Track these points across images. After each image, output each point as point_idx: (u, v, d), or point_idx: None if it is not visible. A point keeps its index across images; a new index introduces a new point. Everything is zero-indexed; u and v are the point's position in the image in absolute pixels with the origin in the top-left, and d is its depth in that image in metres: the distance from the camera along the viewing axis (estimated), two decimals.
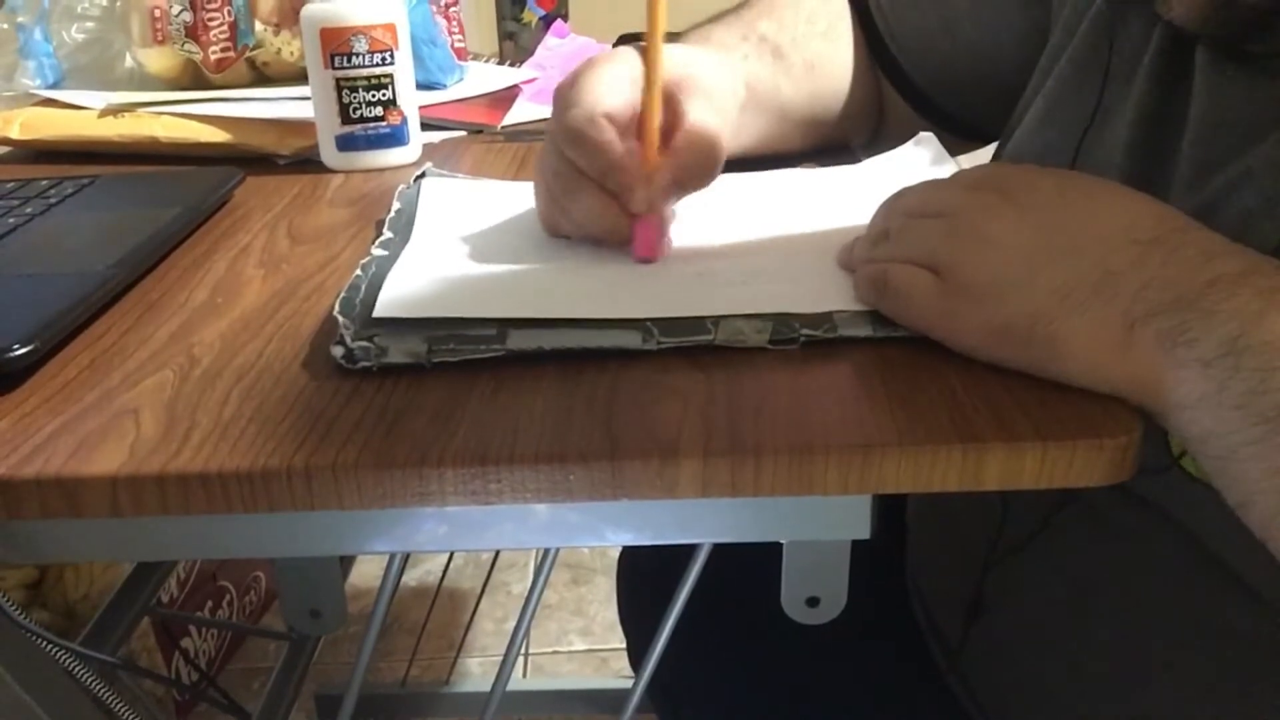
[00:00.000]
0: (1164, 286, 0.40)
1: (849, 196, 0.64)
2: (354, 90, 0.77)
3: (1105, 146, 0.55)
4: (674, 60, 0.58)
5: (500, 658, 1.52)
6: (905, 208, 0.48)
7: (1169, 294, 0.39)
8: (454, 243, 0.58)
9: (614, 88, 0.56)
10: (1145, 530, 0.54)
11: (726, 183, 0.66)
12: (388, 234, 0.60)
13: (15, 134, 0.87)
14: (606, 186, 0.54)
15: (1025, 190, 0.44)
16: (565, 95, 0.56)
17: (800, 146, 0.73)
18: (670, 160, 0.55)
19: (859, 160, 0.71)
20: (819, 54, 0.72)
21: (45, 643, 0.47)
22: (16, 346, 0.45)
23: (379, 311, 0.47)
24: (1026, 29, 0.67)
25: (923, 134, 0.69)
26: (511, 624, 1.60)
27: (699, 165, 0.56)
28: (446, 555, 1.65)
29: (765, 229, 0.59)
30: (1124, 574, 0.56)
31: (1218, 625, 0.52)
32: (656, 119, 0.55)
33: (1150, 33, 0.56)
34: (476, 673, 1.51)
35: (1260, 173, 0.45)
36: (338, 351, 0.45)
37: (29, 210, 0.66)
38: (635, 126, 0.55)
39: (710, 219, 0.61)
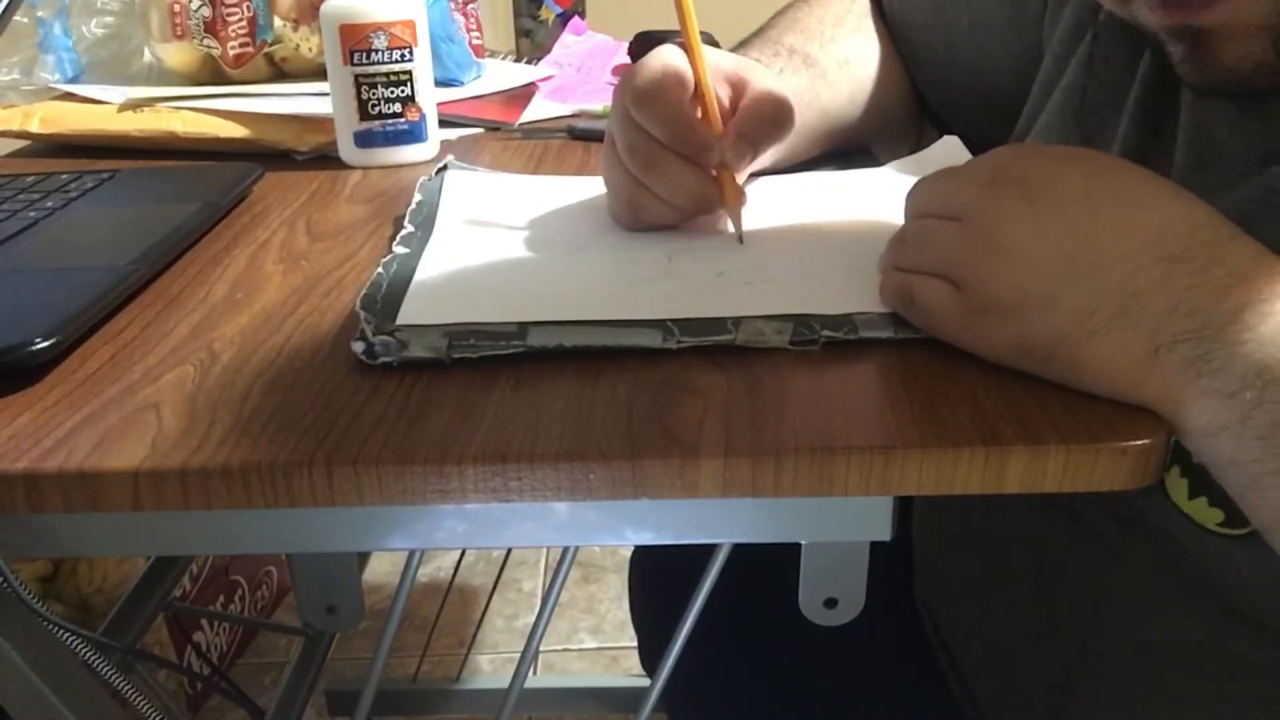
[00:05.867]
0: (1190, 311, 0.38)
1: (871, 198, 0.64)
2: (373, 86, 0.77)
3: None
4: (735, 58, 0.60)
5: (510, 655, 1.53)
6: (925, 206, 0.46)
7: (1195, 320, 0.38)
8: (476, 241, 0.58)
9: (675, 55, 0.57)
10: (1148, 559, 0.53)
11: (749, 185, 0.66)
12: (409, 228, 0.60)
13: (35, 128, 0.87)
14: (681, 151, 0.54)
15: (1048, 188, 0.41)
16: (627, 74, 0.57)
17: (843, 145, 0.73)
18: (737, 118, 0.57)
19: (881, 164, 0.71)
20: (851, 49, 0.72)
21: (63, 633, 0.47)
22: (39, 341, 0.45)
23: (403, 319, 0.47)
24: (1020, 52, 0.67)
25: (947, 137, 0.68)
26: (522, 621, 1.61)
27: (767, 118, 0.58)
28: (458, 552, 1.65)
29: (787, 229, 0.59)
30: (1129, 609, 0.56)
31: (1220, 651, 0.52)
32: (709, 85, 0.56)
33: (1135, 68, 0.55)
34: (487, 670, 1.51)
35: (1244, 212, 0.42)
36: (358, 347, 0.45)
37: (49, 204, 0.66)
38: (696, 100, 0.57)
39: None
